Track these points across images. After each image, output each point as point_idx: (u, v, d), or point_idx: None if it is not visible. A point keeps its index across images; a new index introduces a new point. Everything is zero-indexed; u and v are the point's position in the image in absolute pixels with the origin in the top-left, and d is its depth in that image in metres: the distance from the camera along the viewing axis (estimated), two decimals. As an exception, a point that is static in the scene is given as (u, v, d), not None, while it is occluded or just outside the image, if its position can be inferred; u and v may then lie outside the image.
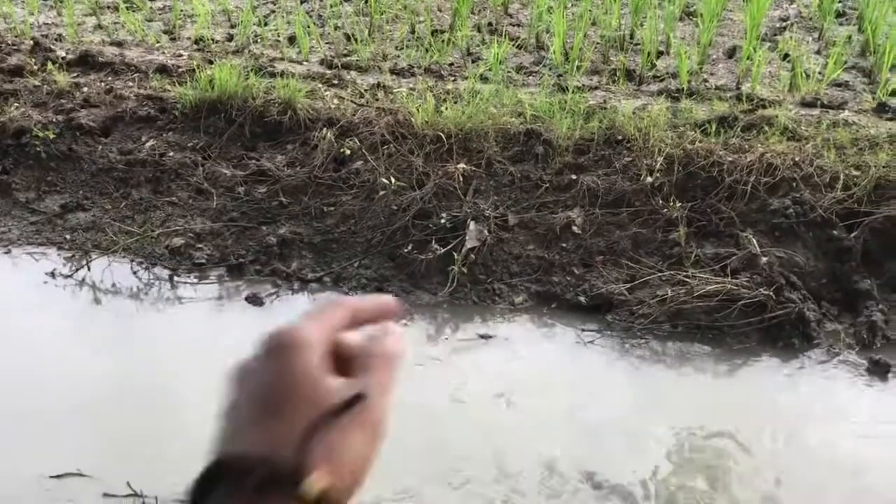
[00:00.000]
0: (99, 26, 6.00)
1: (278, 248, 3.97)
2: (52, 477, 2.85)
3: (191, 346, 3.52)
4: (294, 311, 3.48)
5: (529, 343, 3.58)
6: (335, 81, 4.87)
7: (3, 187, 4.32)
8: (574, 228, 3.90)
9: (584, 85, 4.79)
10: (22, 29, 5.78)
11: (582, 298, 3.70)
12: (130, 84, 4.79)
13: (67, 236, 4.10)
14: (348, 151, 4.21)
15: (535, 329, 3.67)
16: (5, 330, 3.55)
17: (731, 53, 5.29)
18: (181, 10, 6.17)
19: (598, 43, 5.43)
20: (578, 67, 5.00)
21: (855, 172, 3.87)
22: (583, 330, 3.60)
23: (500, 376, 3.36)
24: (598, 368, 3.47)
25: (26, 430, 3.04)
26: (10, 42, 5.32)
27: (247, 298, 3.75)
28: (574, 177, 4.06)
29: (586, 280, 3.78)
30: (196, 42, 5.61)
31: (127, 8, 6.09)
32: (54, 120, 4.47)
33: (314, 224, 4.07)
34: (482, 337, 3.57)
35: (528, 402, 3.22)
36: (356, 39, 5.45)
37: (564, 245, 3.89)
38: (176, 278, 3.89)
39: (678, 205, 3.84)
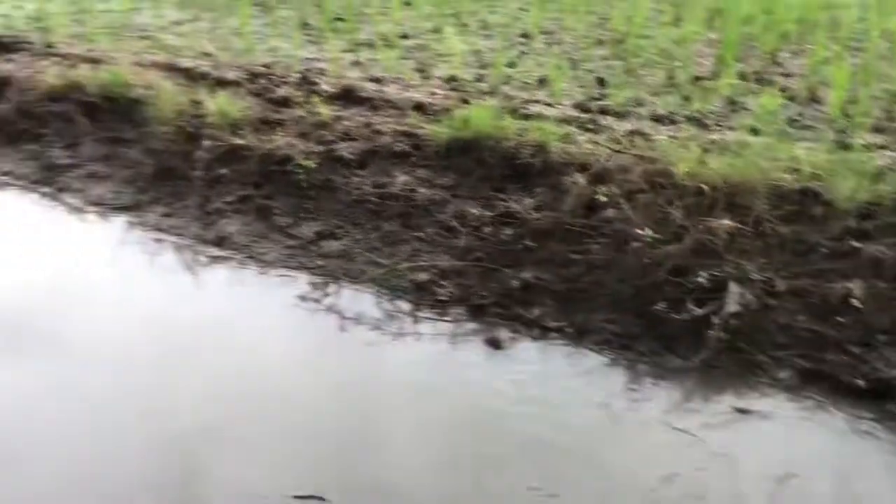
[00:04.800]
0: (356, 62, 6.43)
1: (521, 292, 3.98)
2: (295, 497, 2.98)
3: (425, 382, 3.61)
4: (532, 358, 3.61)
5: (792, 423, 3.36)
6: (589, 126, 4.87)
7: (264, 211, 4.70)
8: (853, 301, 3.62)
9: (868, 143, 4.48)
10: (289, 63, 6.32)
11: (860, 382, 3.42)
12: (388, 119, 5.05)
13: (319, 262, 4.36)
14: (602, 198, 4.18)
15: (799, 408, 3.43)
16: (256, 348, 3.82)
17: None
18: (434, 50, 6.48)
19: (879, 97, 5.07)
20: (860, 124, 4.68)
21: None
22: (858, 417, 3.33)
23: (757, 456, 3.16)
24: (874, 459, 3.20)
25: (268, 450, 3.22)
26: (279, 75, 5.83)
27: (486, 340, 3.79)
28: (856, 244, 3.81)
29: (866, 361, 3.48)
30: (447, 81, 5.85)
31: (384, 46, 6.47)
32: (316, 150, 4.82)
33: (559, 271, 4.04)
34: (738, 411, 3.39)
35: (796, 484, 3.02)
36: (610, 84, 5.44)
37: (841, 319, 3.60)
38: (418, 313, 4.00)
39: None
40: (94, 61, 6.17)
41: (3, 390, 3.51)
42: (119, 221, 4.96)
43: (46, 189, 5.41)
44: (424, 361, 3.72)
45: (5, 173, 5.66)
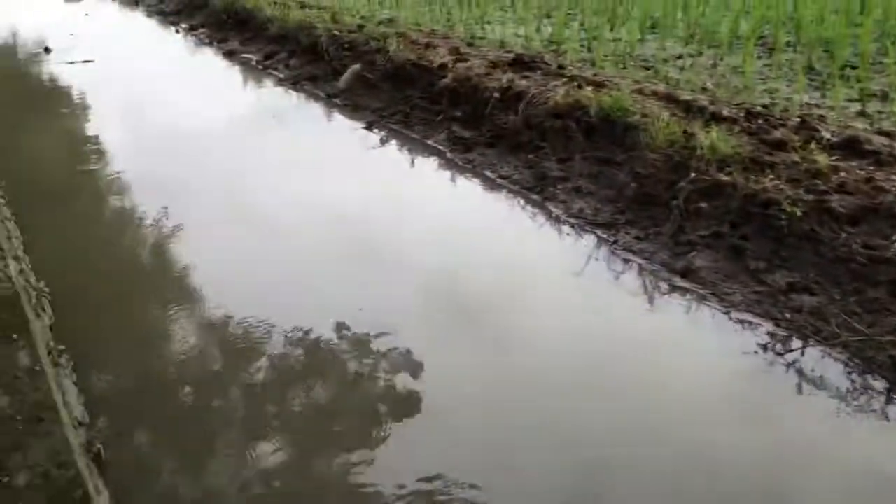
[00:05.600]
0: (862, 113, 6.00)
1: None
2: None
3: (890, 474, 3.26)
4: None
5: None
6: None
7: (737, 251, 4.62)
8: None
9: None
10: (787, 106, 6.12)
11: None
12: (893, 177, 4.65)
13: (787, 315, 4.15)
14: None
15: None
16: (689, 389, 3.80)
17: None
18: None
19: None
20: None
21: None
22: None
23: None
24: None
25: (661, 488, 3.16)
26: (776, 117, 5.67)
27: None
28: None
29: None
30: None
31: (900, 99, 5.96)
32: (804, 198, 4.60)
33: None
34: None
35: None
36: None
37: None
38: (892, 394, 3.62)
39: None
40: (598, 85, 6.59)
41: (439, 366, 3.93)
42: (591, 237, 5.24)
43: (535, 196, 5.94)
44: (892, 450, 3.40)
45: (503, 177, 6.34)
